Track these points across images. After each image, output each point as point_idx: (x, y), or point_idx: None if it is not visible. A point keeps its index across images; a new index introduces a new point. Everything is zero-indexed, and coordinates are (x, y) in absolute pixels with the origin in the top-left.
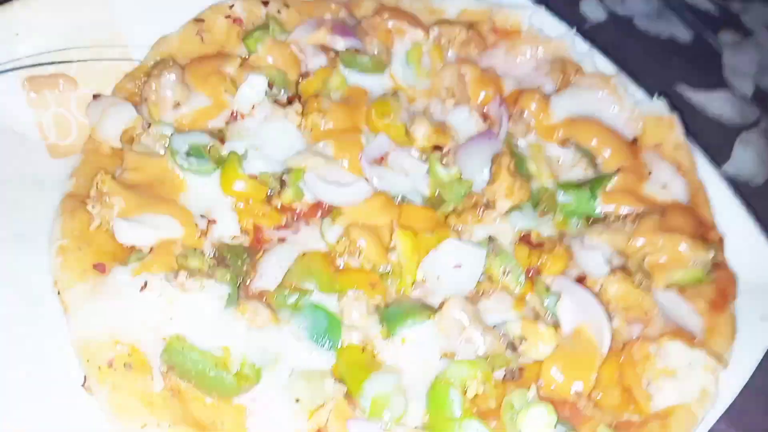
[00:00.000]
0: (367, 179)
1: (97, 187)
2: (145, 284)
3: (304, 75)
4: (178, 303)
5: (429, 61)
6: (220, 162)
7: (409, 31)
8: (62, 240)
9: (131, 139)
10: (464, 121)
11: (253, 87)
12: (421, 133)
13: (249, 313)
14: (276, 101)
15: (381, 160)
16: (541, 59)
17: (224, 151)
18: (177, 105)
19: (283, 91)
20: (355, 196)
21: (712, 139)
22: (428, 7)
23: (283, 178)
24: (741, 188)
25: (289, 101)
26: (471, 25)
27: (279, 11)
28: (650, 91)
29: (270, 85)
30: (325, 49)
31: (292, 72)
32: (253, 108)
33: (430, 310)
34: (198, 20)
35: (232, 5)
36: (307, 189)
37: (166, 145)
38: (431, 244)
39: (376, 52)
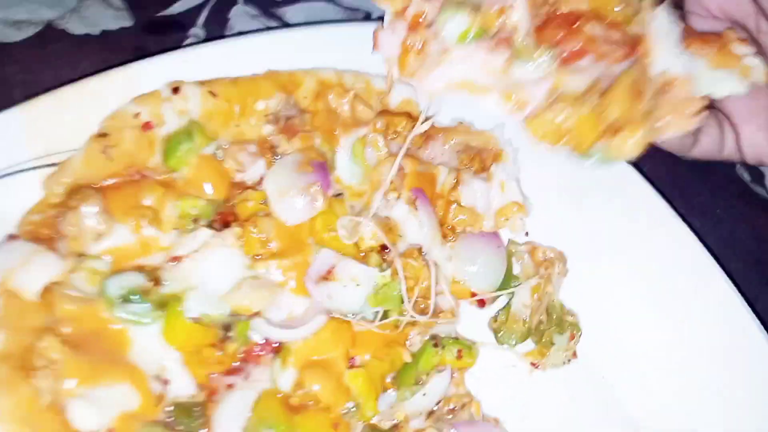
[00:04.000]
0: (315, 301)
1: (43, 353)
2: None
3: (238, 186)
4: None
5: (373, 154)
6: (161, 306)
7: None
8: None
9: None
10: (406, 216)
11: (197, 239)
12: (368, 234)
13: None
14: (211, 226)
15: (328, 274)
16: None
17: (163, 293)
18: (99, 237)
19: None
20: (307, 332)
21: None
22: (370, 89)
23: (228, 325)
24: None
25: (224, 223)
26: (410, 116)
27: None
28: None
29: (196, 220)
30: (263, 150)
31: (223, 189)
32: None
33: None
34: (101, 135)
35: (138, 113)
36: (255, 332)
37: (100, 288)
38: (386, 371)
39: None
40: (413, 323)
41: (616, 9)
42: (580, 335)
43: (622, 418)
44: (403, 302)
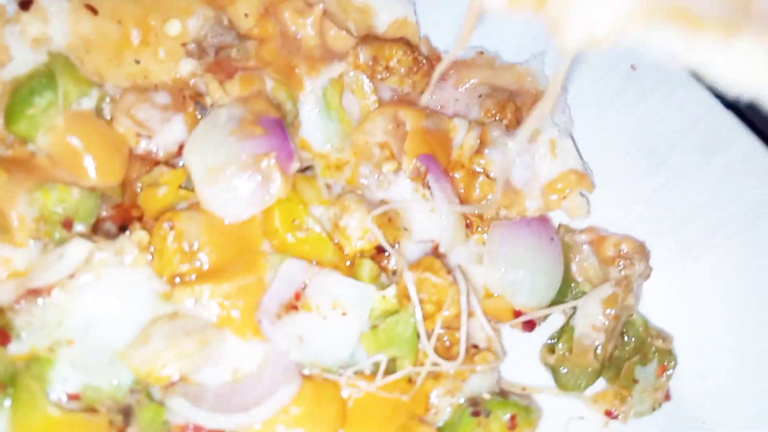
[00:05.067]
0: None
1: None
2: None
3: (143, 161)
4: None
5: (356, 103)
6: (8, 381)
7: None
8: None
9: None
10: (411, 198)
11: (71, 255)
12: (356, 231)
13: None
14: (96, 231)
15: (297, 300)
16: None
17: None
18: None
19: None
20: (268, 410)
21: None
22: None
23: (127, 408)
24: None
25: (121, 226)
26: (407, 44)
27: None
28: None
29: (68, 223)
30: (181, 101)
31: (114, 168)
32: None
33: None
34: None
35: None
36: (174, 415)
37: None
38: None
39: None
40: (437, 376)
41: None
42: (675, 366)
43: None
44: (418, 341)
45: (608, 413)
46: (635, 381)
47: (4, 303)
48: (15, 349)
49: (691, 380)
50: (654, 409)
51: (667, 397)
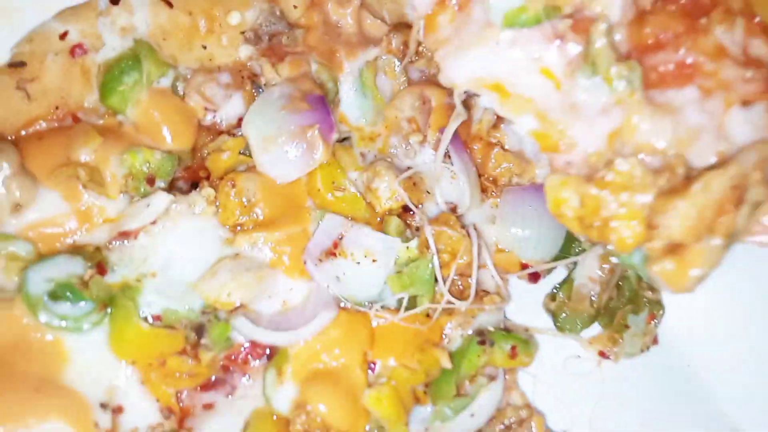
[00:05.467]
0: (318, 286)
1: None
2: None
3: (209, 131)
4: None
5: (388, 83)
6: (106, 303)
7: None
8: None
9: None
10: (434, 166)
11: (154, 206)
12: (385, 192)
13: None
14: (173, 187)
15: (335, 247)
16: None
17: (108, 284)
18: (18, 207)
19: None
20: (310, 331)
21: None
22: None
23: (200, 326)
24: None
25: (193, 184)
26: None
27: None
28: None
29: (151, 180)
30: (240, 80)
31: (186, 135)
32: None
33: None
34: (15, 65)
35: (65, 32)
36: (238, 333)
37: (21, 281)
38: (417, 381)
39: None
40: (450, 312)
41: None
42: (663, 315)
43: (713, 414)
44: (435, 284)
45: (602, 354)
46: (627, 327)
47: (101, 242)
48: (110, 278)
49: (678, 328)
50: (642, 351)
51: (655, 342)
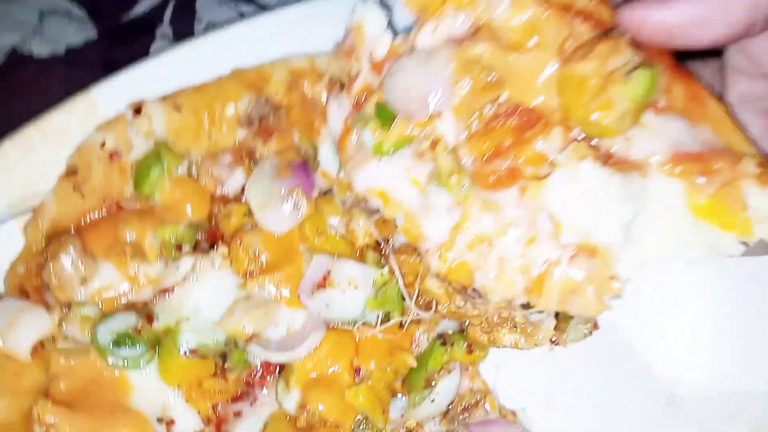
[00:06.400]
0: (312, 313)
1: (39, 419)
2: None
3: (222, 200)
4: None
5: None
6: (154, 344)
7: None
8: None
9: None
10: None
11: (183, 266)
12: (361, 231)
13: None
14: (197, 248)
15: (324, 281)
16: None
17: (155, 330)
18: (84, 281)
19: (198, 235)
20: (306, 349)
21: None
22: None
23: (224, 353)
24: None
25: (212, 244)
26: None
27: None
28: None
29: (179, 247)
30: (240, 157)
31: (202, 208)
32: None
33: None
34: (69, 173)
35: (104, 142)
36: (253, 356)
37: (92, 335)
38: (391, 380)
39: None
40: (418, 322)
41: (593, 117)
42: None
43: (655, 387)
44: (404, 301)
45: (552, 342)
46: (571, 317)
47: (147, 299)
48: (156, 325)
49: (615, 313)
50: (586, 336)
51: (596, 327)
